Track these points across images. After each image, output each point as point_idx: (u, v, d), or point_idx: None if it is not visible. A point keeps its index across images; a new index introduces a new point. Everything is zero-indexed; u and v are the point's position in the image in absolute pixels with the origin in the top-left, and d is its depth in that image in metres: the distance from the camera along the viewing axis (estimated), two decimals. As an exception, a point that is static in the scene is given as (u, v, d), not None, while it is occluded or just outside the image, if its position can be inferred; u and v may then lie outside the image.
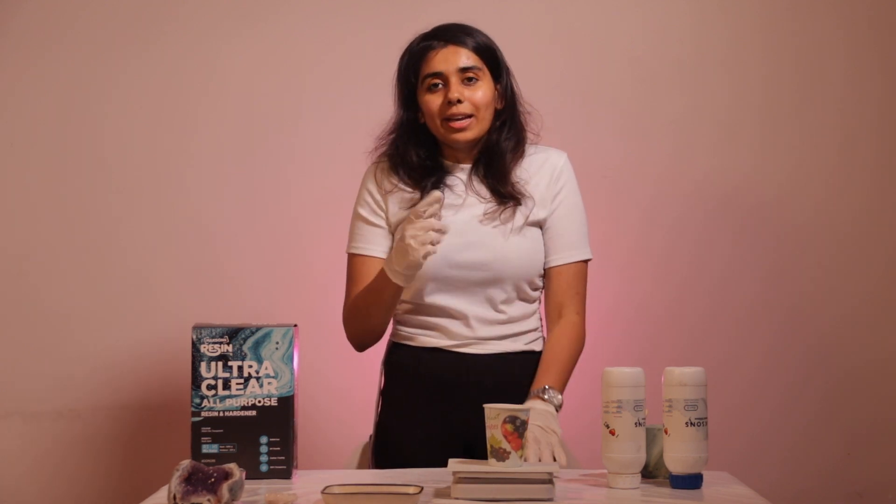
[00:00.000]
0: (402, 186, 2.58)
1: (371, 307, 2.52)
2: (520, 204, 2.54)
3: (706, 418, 2.13)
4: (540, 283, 2.60)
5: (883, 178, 3.39)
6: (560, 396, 2.47)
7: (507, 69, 2.59)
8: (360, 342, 2.59)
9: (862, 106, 3.38)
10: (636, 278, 3.36)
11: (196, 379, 2.23)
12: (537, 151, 2.61)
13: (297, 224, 3.35)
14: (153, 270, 3.34)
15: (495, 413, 2.05)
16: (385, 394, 2.62)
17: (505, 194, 2.54)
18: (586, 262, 2.60)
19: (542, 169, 2.59)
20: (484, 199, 2.55)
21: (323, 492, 1.96)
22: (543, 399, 2.45)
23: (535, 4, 3.36)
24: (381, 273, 2.46)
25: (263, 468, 2.23)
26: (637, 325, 3.35)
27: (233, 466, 1.97)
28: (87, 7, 3.35)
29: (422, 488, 1.98)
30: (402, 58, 2.60)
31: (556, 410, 2.45)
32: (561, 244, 2.57)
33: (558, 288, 2.57)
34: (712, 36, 3.40)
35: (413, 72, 2.56)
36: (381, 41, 3.32)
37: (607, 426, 2.14)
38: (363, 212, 2.61)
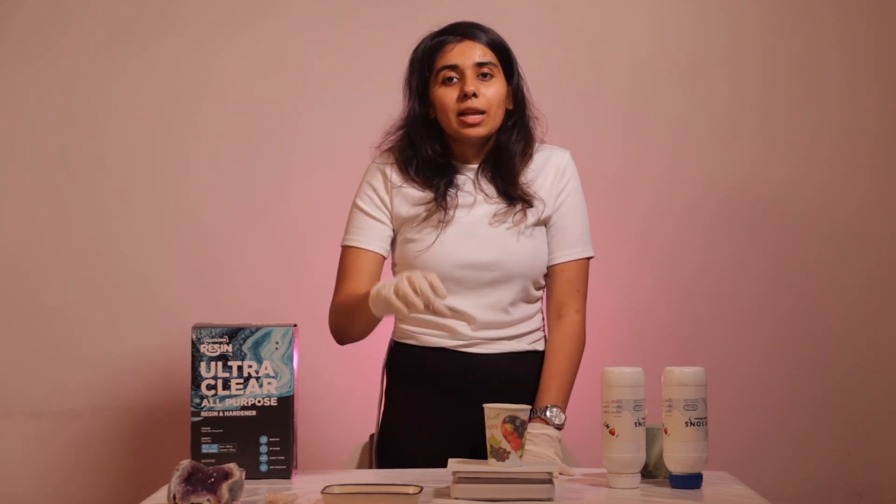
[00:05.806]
0: (412, 184, 2.55)
1: (350, 324, 2.49)
2: (531, 206, 2.53)
3: (706, 418, 2.13)
4: (543, 283, 2.59)
5: (881, 177, 3.39)
6: (563, 416, 2.46)
7: (519, 72, 2.58)
8: (340, 340, 2.57)
9: (860, 105, 3.39)
10: (636, 278, 3.36)
11: (196, 379, 2.23)
12: (540, 150, 2.61)
13: (297, 224, 3.35)
14: (153, 271, 3.34)
15: (495, 413, 2.05)
16: (388, 395, 2.60)
17: (515, 196, 2.53)
18: (588, 259, 2.60)
19: (546, 167, 2.58)
20: (492, 198, 2.54)
21: (323, 492, 1.96)
22: (545, 419, 2.44)
23: (535, 4, 3.36)
24: (364, 298, 2.36)
25: (263, 468, 2.22)
26: (637, 325, 3.35)
27: (233, 466, 1.96)
28: (87, 7, 3.34)
29: (421, 488, 1.98)
30: (414, 52, 2.57)
31: (559, 428, 2.45)
32: (564, 241, 2.56)
33: (560, 285, 2.56)
34: (712, 36, 3.40)
35: (427, 65, 2.53)
36: (381, 42, 3.34)
37: (607, 426, 2.14)
38: (363, 205, 2.58)
